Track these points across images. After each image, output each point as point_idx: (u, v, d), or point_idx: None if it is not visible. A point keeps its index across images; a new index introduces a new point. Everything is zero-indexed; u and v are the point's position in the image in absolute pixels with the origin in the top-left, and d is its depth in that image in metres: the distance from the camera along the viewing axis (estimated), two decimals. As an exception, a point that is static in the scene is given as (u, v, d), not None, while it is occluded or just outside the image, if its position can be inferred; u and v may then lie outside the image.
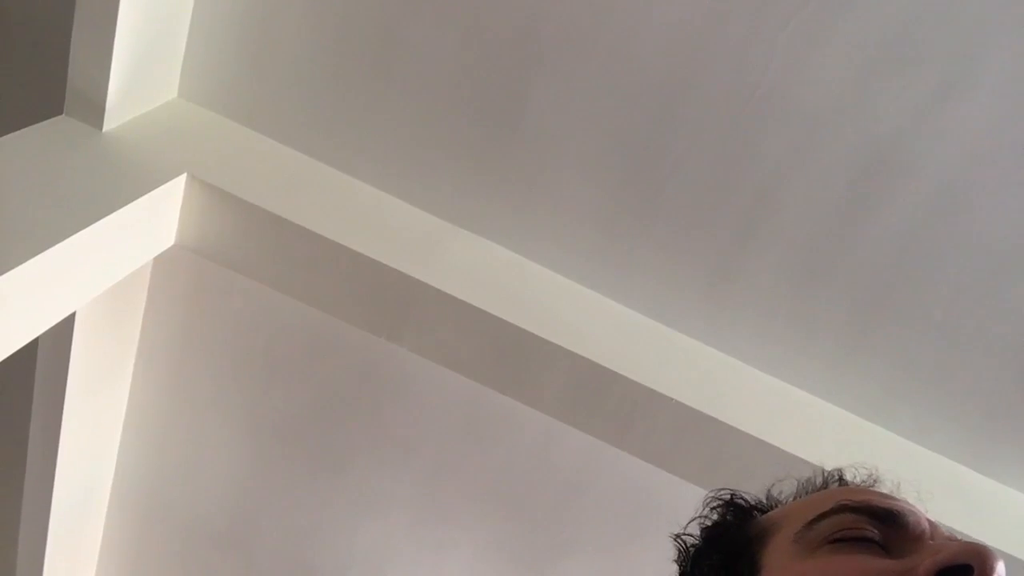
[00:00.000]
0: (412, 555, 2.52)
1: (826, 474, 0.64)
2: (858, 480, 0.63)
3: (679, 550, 0.64)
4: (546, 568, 2.41)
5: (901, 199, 1.57)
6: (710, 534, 0.64)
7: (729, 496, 0.65)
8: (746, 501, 0.65)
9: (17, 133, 1.50)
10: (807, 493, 0.63)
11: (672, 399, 1.61)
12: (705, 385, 1.69)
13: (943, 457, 1.80)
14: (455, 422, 2.15)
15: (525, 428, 2.09)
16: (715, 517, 0.65)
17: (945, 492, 1.73)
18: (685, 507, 2.28)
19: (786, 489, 0.64)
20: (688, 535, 0.65)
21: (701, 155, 1.60)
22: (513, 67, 1.60)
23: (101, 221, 1.39)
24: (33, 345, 1.87)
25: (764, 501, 0.64)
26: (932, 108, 1.47)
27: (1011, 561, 1.64)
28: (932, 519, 0.55)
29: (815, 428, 1.74)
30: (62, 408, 2.00)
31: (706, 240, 1.68)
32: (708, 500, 0.66)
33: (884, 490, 0.59)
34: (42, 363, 1.95)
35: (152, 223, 1.58)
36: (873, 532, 0.54)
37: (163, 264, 2.00)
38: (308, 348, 2.12)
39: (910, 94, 1.47)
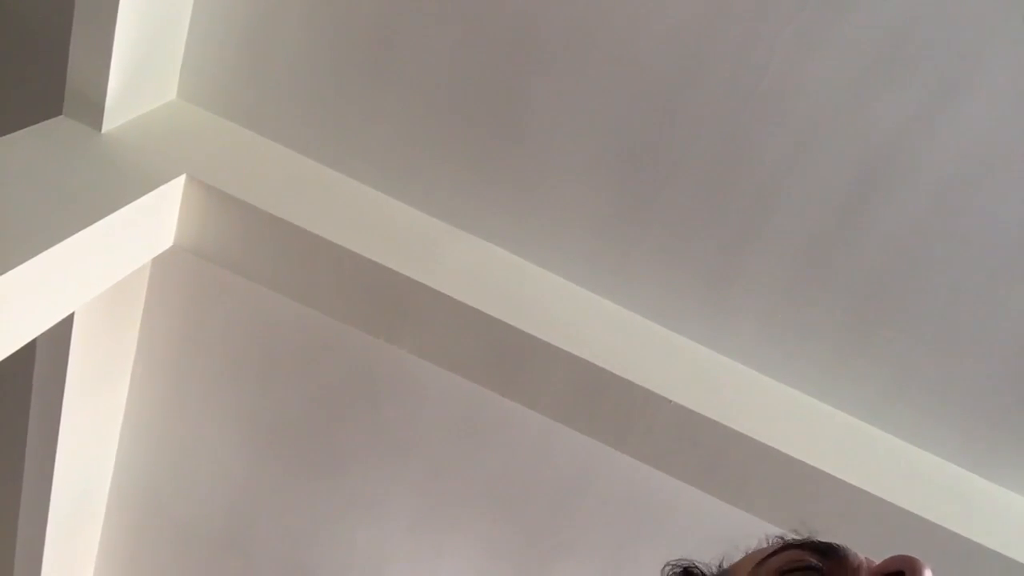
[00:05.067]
0: (410, 557, 2.52)
1: (770, 539, 0.69)
2: (799, 538, 0.68)
3: None
4: (545, 569, 2.41)
5: (900, 201, 1.57)
6: None
7: (687, 565, 0.70)
8: (700, 571, 0.70)
9: (16, 134, 1.50)
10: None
11: (670, 401, 1.61)
12: (703, 387, 1.69)
13: (941, 459, 1.81)
14: (454, 423, 2.15)
15: (524, 429, 2.09)
16: None
17: (943, 494, 1.73)
18: (684, 508, 2.28)
19: (736, 558, 0.69)
20: None
21: (700, 157, 1.60)
22: (512, 69, 1.60)
23: (100, 222, 1.39)
24: (32, 346, 1.87)
25: (716, 572, 0.69)
26: (930, 110, 1.47)
27: (1009, 563, 1.64)
28: (870, 558, 0.61)
29: (813, 430, 1.74)
30: (60, 409, 2.00)
31: (705, 241, 1.69)
32: (666, 570, 0.71)
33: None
34: (40, 364, 1.95)
35: (151, 224, 1.58)
36: (817, 563, 0.60)
37: (162, 265, 2.00)
38: (306, 349, 2.12)
39: (909, 96, 1.47)
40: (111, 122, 1.60)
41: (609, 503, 2.18)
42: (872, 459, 1.74)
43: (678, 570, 0.70)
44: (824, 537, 0.64)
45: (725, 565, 0.68)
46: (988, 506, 1.76)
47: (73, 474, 2.29)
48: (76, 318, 1.80)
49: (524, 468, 2.18)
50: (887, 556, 0.57)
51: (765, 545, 0.67)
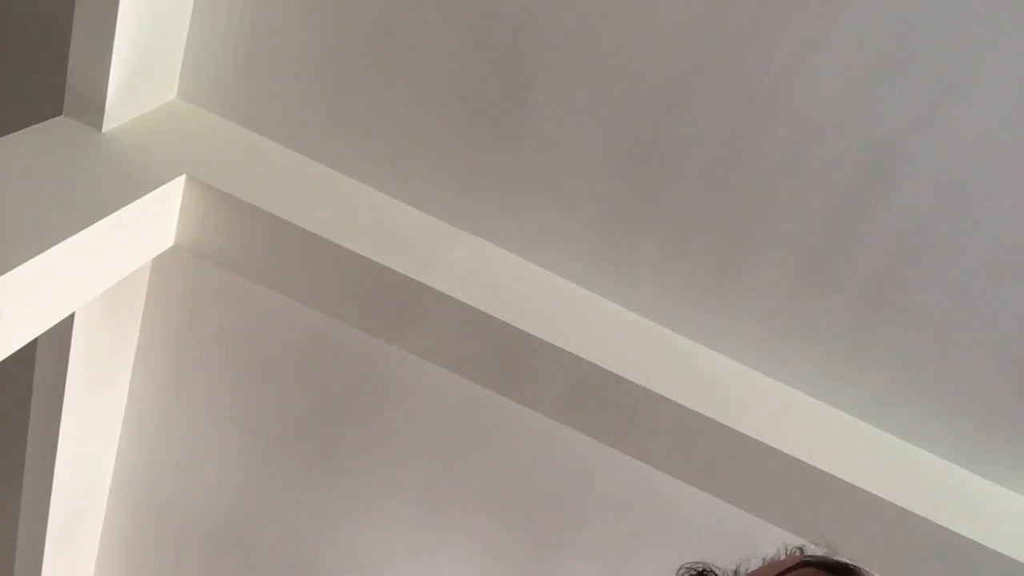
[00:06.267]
0: (411, 557, 2.52)
1: (789, 548, 0.69)
2: (819, 552, 0.68)
3: None
4: (546, 569, 2.41)
5: (900, 201, 1.57)
6: None
7: (702, 568, 0.70)
8: (715, 575, 0.70)
9: (16, 134, 1.50)
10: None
11: (671, 401, 1.61)
12: (704, 387, 1.69)
13: (941, 459, 1.81)
14: (454, 423, 2.15)
15: (525, 429, 2.09)
16: None
17: (943, 494, 1.73)
18: (684, 508, 2.27)
19: (753, 565, 0.68)
20: None
21: (700, 156, 1.60)
22: (513, 68, 1.60)
23: (100, 222, 1.39)
24: (32, 346, 1.87)
25: None
26: (931, 110, 1.47)
27: (1009, 563, 1.64)
28: None
29: (814, 430, 1.74)
30: (61, 409, 2.00)
31: (705, 242, 1.69)
32: (680, 572, 0.71)
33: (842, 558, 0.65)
34: (41, 364, 1.95)
35: (151, 224, 1.58)
36: None
37: (162, 265, 2.00)
38: (307, 349, 2.12)
39: (909, 95, 1.47)
40: (111, 122, 1.60)
41: (609, 503, 2.18)
42: (872, 459, 1.74)
43: (693, 573, 0.70)
44: (842, 554, 0.64)
45: (742, 572, 0.68)
46: (988, 506, 1.76)
47: (73, 474, 2.29)
48: (76, 318, 1.80)
49: (524, 468, 2.18)
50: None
51: (784, 555, 0.67)
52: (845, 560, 0.62)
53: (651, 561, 2.23)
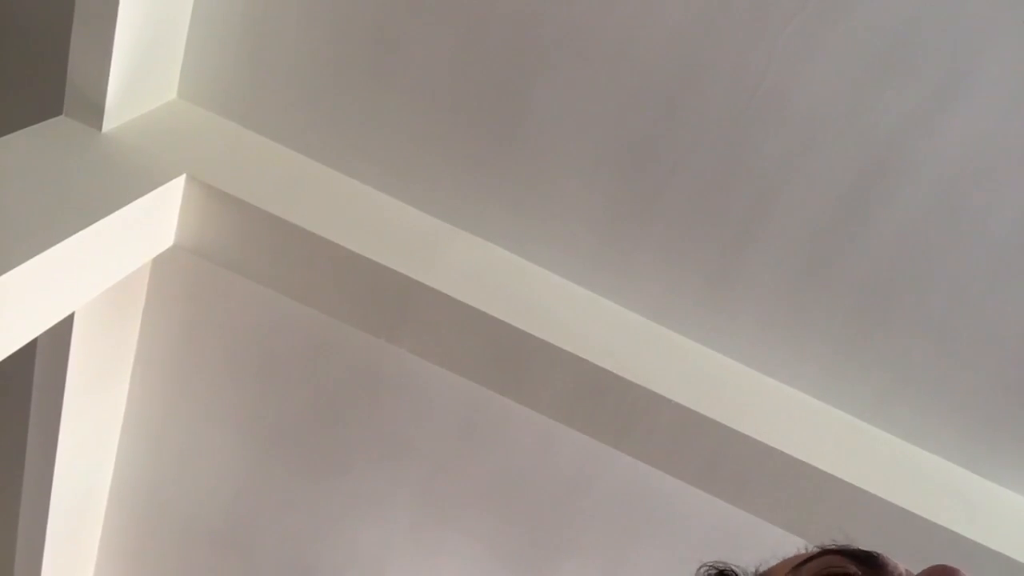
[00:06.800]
0: (411, 556, 2.52)
1: (808, 547, 0.69)
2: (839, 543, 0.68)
3: None
4: (546, 569, 2.41)
5: (900, 202, 1.57)
6: None
7: (723, 567, 0.70)
8: (736, 574, 0.69)
9: (16, 133, 1.50)
10: None
11: (671, 401, 1.61)
12: (704, 387, 1.69)
13: (941, 459, 1.81)
14: (454, 423, 2.15)
15: (525, 429, 2.09)
16: None
17: (943, 494, 1.73)
18: (685, 508, 2.27)
19: (773, 562, 0.68)
20: None
21: (701, 157, 1.60)
22: (513, 68, 1.60)
23: (100, 222, 1.39)
24: (32, 346, 1.86)
25: (752, 575, 0.68)
26: (931, 110, 1.47)
27: (1009, 563, 1.64)
28: (909, 569, 0.60)
29: (814, 430, 1.74)
30: (60, 409, 2.00)
31: (706, 242, 1.69)
32: (701, 571, 0.70)
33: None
34: (41, 364, 1.95)
35: (151, 224, 1.58)
36: (855, 571, 0.59)
37: (162, 265, 2.00)
38: (307, 348, 2.12)
39: (909, 96, 1.47)
40: (111, 122, 1.60)
41: (609, 503, 2.18)
42: (872, 459, 1.74)
43: (713, 572, 0.70)
44: (862, 546, 0.64)
45: (762, 569, 0.68)
46: (988, 506, 1.76)
47: (73, 474, 2.29)
48: (76, 318, 1.80)
49: (524, 468, 2.18)
50: (925, 567, 0.57)
51: (803, 552, 0.67)
52: (868, 549, 0.62)
53: (651, 561, 2.23)
